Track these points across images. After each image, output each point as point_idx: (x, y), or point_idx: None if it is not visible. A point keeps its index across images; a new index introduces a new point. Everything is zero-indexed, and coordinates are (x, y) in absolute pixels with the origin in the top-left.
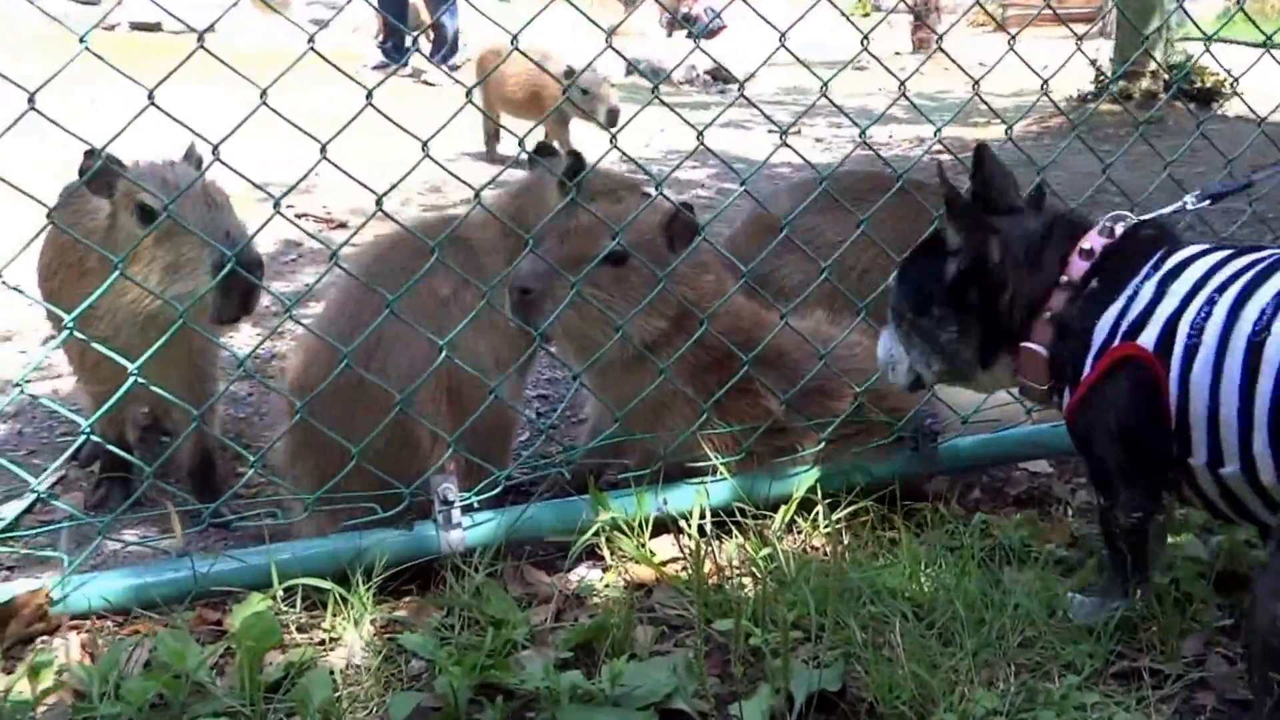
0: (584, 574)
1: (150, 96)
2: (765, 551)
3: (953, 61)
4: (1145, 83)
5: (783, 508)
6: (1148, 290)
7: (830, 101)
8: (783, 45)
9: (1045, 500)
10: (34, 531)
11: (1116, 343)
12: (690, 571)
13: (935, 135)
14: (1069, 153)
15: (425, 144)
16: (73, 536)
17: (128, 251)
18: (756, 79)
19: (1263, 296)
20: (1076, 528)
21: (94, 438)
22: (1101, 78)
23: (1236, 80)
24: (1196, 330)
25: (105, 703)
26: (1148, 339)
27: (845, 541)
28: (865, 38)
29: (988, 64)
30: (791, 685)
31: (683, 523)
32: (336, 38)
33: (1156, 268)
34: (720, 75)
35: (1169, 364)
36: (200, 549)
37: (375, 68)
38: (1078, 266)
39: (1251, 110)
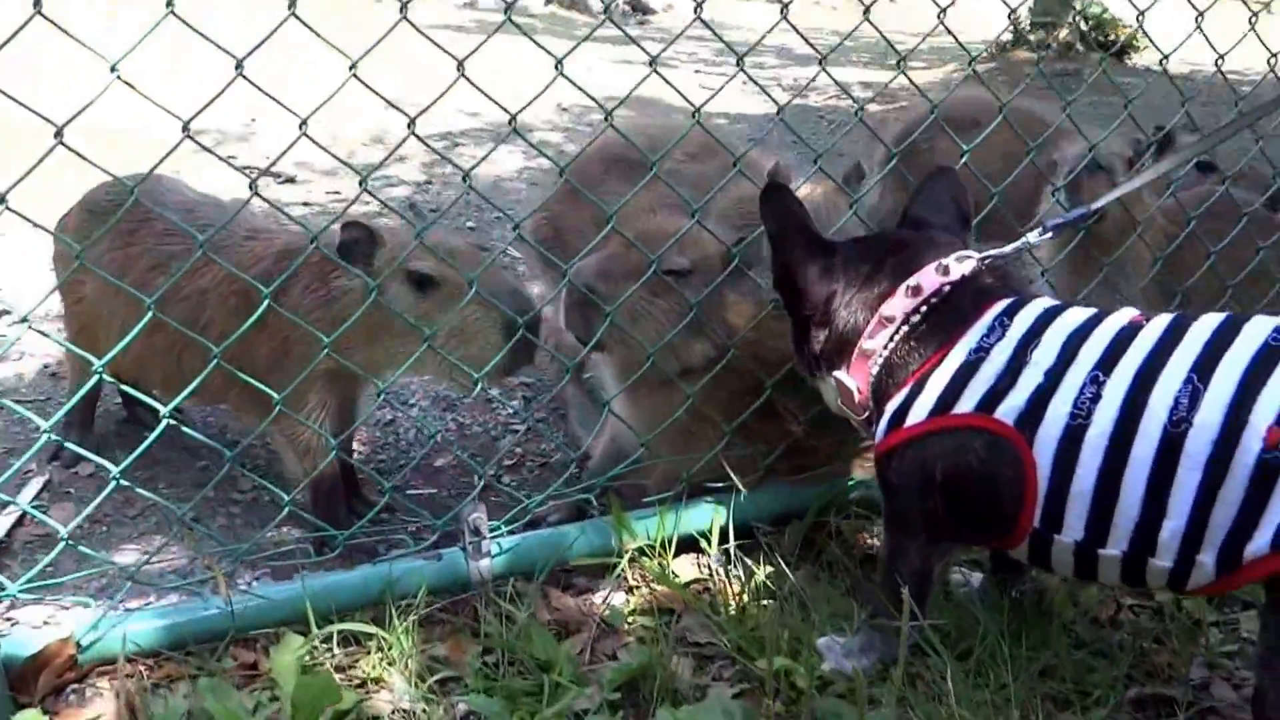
0: (608, 595)
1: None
2: (782, 572)
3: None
4: (1064, 33)
5: (794, 523)
6: (1001, 353)
7: (796, 32)
8: None
9: None
10: (55, 581)
11: (966, 407)
12: (715, 594)
13: (899, 67)
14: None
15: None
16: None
17: (439, 328)
18: (673, 9)
19: (1169, 383)
20: None
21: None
22: (1019, 26)
23: (1143, 31)
24: (1082, 411)
25: None
26: (1007, 412)
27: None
28: None
29: (904, 4)
30: None
31: (703, 542)
32: None
33: (1003, 324)
34: (639, 5)
35: (1033, 439)
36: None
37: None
38: (900, 304)
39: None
